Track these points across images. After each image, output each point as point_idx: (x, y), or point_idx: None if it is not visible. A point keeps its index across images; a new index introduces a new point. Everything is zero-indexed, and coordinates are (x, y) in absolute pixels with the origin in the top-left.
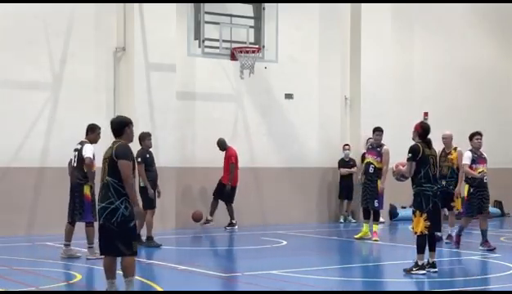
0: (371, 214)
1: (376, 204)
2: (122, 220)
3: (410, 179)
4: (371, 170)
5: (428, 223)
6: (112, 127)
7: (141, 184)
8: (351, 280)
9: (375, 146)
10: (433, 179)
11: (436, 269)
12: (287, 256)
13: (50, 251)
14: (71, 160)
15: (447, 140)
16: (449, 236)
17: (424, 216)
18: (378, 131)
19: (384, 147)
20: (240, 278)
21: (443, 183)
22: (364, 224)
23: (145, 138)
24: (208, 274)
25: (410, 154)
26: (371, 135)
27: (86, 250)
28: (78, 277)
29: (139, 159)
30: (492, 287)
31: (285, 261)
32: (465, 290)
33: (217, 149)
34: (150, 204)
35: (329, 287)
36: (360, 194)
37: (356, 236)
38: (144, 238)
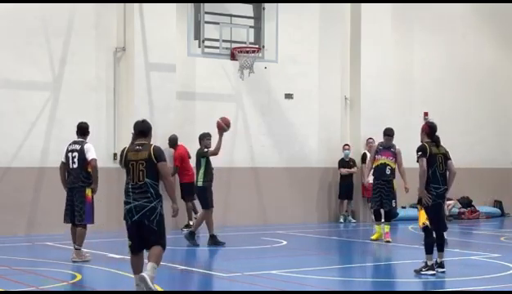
0: (382, 215)
1: (394, 204)
2: (160, 220)
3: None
4: (388, 171)
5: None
6: (138, 129)
7: (199, 184)
8: (351, 280)
9: (387, 146)
10: (441, 178)
11: (444, 269)
12: (287, 256)
13: (50, 251)
14: (67, 161)
15: None
16: None
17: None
18: (387, 136)
19: (397, 147)
20: (240, 278)
21: None
22: (376, 226)
23: (204, 138)
24: (208, 274)
25: (419, 153)
26: (370, 136)
27: (74, 251)
28: (78, 277)
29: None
30: (492, 287)
31: (285, 261)
32: (465, 290)
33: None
34: (209, 203)
35: (329, 287)
36: (360, 195)
37: (372, 237)
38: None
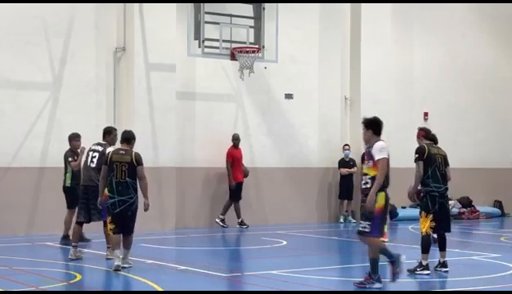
0: None
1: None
2: (135, 209)
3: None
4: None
5: (434, 224)
6: (123, 136)
7: (67, 185)
8: (351, 280)
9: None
10: (441, 178)
11: (447, 269)
12: (287, 256)
13: (50, 251)
14: (86, 158)
15: None
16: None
17: (430, 216)
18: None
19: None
20: (240, 278)
21: None
22: None
23: (72, 139)
24: (208, 274)
25: (416, 155)
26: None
27: (74, 249)
28: (78, 277)
29: (70, 159)
30: (492, 287)
31: (285, 261)
32: (465, 290)
33: (217, 148)
34: (72, 204)
35: (329, 287)
36: (360, 195)
37: None
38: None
